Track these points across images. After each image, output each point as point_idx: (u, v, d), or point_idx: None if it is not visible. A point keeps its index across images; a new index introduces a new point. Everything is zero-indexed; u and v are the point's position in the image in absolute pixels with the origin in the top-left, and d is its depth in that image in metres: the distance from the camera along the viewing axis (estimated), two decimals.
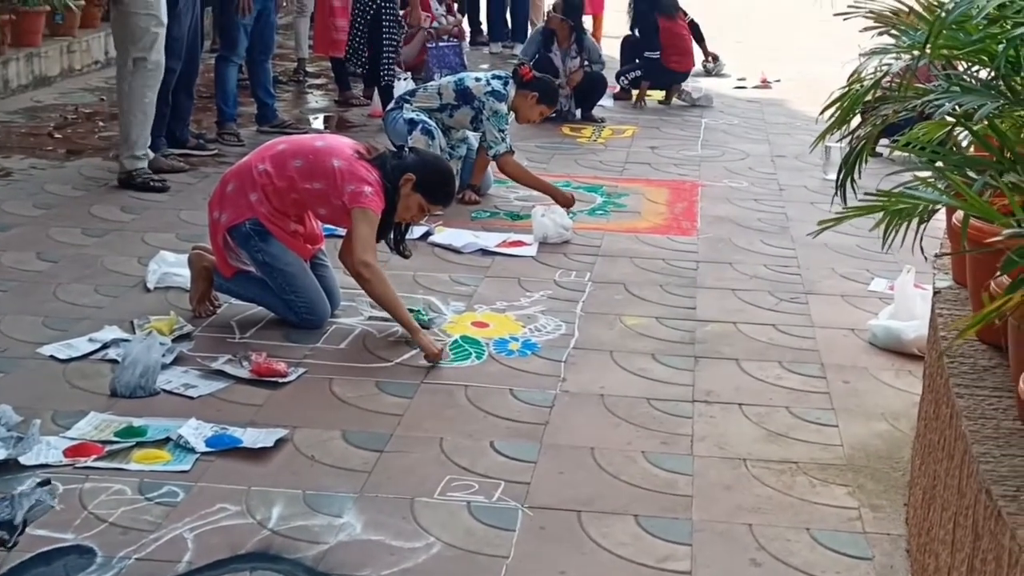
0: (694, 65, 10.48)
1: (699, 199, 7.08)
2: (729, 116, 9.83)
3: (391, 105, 7.12)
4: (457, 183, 5.62)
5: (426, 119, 6.76)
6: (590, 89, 9.44)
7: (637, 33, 10.28)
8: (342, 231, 5.10)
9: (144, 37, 6.69)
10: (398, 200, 4.76)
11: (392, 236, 4.91)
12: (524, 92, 6.81)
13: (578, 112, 9.46)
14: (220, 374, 4.33)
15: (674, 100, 10.23)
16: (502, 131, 6.68)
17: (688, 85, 10.36)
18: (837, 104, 3.60)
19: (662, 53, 9.99)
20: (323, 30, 9.76)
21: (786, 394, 4.33)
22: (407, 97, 6.98)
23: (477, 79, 6.84)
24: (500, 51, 12.75)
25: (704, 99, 10.27)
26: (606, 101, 9.88)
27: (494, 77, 6.86)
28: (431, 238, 6.04)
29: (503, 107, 6.72)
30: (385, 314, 4.74)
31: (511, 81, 6.84)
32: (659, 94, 10.32)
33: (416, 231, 5.72)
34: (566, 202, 6.53)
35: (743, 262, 5.87)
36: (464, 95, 6.78)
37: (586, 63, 9.38)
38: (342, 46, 9.54)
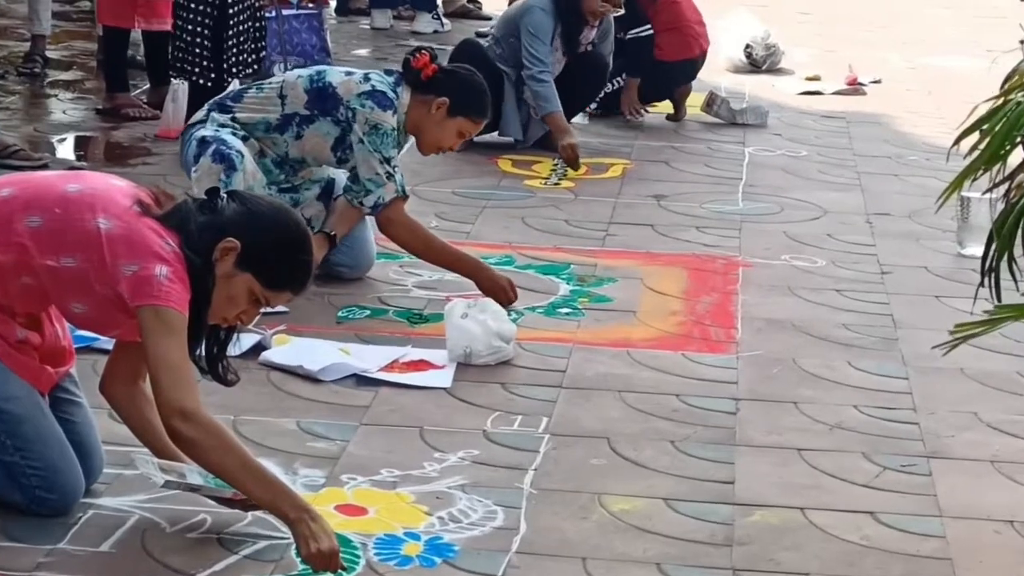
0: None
1: (740, 288, 7.15)
2: (792, 142, 9.97)
3: (197, 115, 7.05)
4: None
5: (228, 139, 6.63)
6: (578, 80, 9.43)
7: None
8: (107, 341, 5.06)
9: None
10: (213, 285, 4.71)
11: (204, 348, 4.86)
12: (424, 98, 6.72)
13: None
14: None
15: (694, 112, 10.34)
16: (386, 161, 6.64)
17: (724, 89, 10.45)
18: (983, 126, 3.63)
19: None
20: None
21: None
22: (229, 102, 6.90)
23: (349, 73, 6.82)
24: (390, 27, 12.78)
25: (752, 113, 10.34)
26: (578, 118, 9.95)
27: (375, 73, 6.83)
28: (265, 354, 6.05)
29: (389, 119, 6.67)
30: (188, 486, 4.71)
31: (402, 81, 6.79)
32: (664, 105, 10.41)
33: (242, 341, 5.66)
34: (501, 294, 6.56)
35: (817, 401, 5.90)
36: (322, 98, 6.71)
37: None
38: (130, 16, 9.59)
